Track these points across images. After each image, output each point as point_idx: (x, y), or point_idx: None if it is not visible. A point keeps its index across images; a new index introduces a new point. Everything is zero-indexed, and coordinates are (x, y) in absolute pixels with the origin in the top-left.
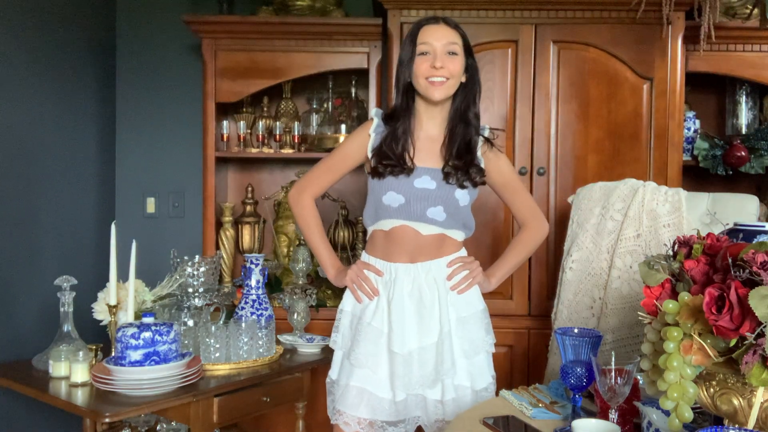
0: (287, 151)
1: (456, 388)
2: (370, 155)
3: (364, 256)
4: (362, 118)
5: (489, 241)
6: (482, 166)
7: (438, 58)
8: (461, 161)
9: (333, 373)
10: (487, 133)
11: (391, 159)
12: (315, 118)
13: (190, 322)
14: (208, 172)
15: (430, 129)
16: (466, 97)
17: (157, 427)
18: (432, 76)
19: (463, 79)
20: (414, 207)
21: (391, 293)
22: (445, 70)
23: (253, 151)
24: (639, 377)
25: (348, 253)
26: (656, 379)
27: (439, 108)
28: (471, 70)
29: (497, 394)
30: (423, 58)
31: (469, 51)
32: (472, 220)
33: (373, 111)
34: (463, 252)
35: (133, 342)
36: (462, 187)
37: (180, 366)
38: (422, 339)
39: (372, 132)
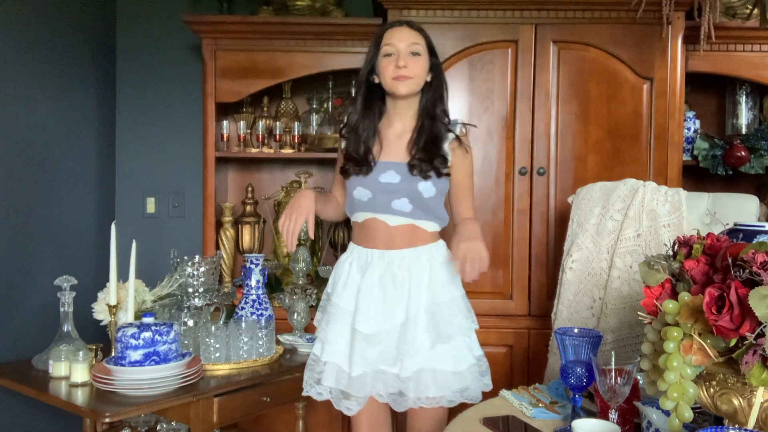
0: (287, 151)
1: (436, 373)
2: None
3: (351, 245)
4: None
5: (489, 241)
6: (448, 158)
7: (401, 58)
8: (426, 153)
9: (317, 350)
10: (458, 130)
11: (356, 159)
12: (315, 118)
13: (190, 322)
14: (208, 172)
15: (398, 126)
16: (432, 95)
17: (157, 427)
18: (397, 76)
19: (428, 78)
20: (379, 200)
21: (363, 277)
22: (409, 69)
23: (253, 151)
24: (639, 377)
25: None
26: (656, 379)
27: (406, 105)
28: (435, 69)
29: (497, 393)
30: (388, 60)
31: (432, 51)
32: (443, 211)
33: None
34: (441, 243)
35: (133, 342)
36: (425, 177)
37: (180, 366)
38: (386, 321)
39: (343, 145)
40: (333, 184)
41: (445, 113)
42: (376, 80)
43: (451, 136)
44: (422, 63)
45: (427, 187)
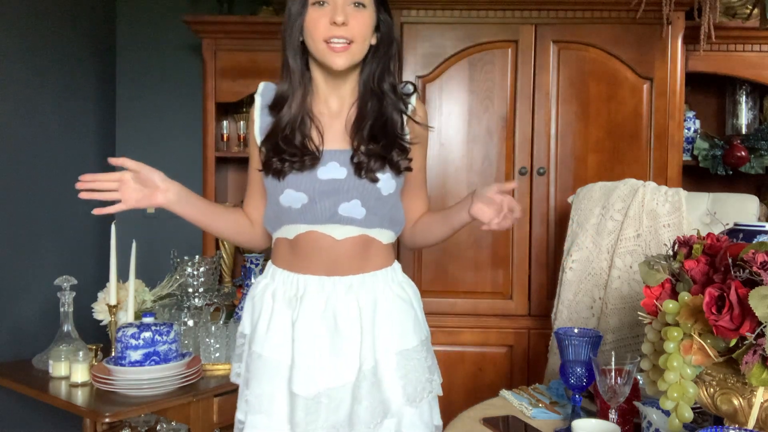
0: None
1: None
2: (259, 143)
3: (270, 267)
4: None
5: (489, 241)
6: (407, 145)
7: (339, 10)
8: (377, 144)
9: (240, 413)
10: (414, 99)
11: (290, 149)
12: None
13: (190, 322)
14: (208, 172)
15: (332, 104)
16: (378, 65)
17: (157, 427)
18: (332, 37)
19: (374, 41)
20: (321, 206)
21: (295, 314)
22: (349, 28)
23: None
24: (639, 377)
25: None
26: (656, 379)
27: (342, 78)
28: (384, 27)
29: (497, 394)
30: (319, 11)
31: (382, 2)
32: (401, 212)
33: (260, 87)
34: (397, 266)
35: (133, 342)
36: (374, 180)
37: (180, 366)
38: (336, 377)
39: (257, 116)
40: (246, 195)
41: (394, 88)
42: (301, 39)
43: (409, 108)
44: (367, 19)
45: (385, 181)
